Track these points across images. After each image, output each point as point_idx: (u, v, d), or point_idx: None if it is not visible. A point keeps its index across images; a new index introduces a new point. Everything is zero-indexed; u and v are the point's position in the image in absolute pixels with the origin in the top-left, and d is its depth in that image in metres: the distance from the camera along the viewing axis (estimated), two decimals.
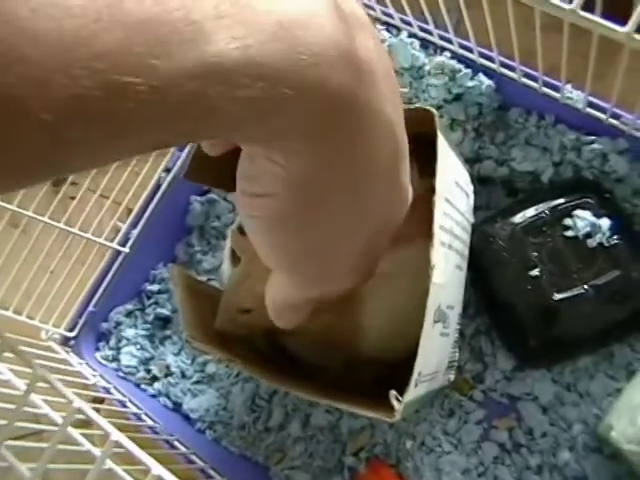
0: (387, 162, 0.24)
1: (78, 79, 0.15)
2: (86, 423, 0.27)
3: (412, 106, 0.34)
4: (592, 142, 0.44)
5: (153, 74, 0.16)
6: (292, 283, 0.28)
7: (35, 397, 0.23)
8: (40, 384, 0.31)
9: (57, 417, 0.23)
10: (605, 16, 0.29)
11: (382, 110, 0.22)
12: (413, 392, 0.32)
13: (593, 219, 0.42)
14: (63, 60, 0.15)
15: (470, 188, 0.42)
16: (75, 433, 0.23)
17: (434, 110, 0.33)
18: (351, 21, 0.21)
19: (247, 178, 0.24)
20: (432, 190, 0.33)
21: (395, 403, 0.31)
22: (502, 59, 0.44)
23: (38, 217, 0.51)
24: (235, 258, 0.44)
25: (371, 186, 0.24)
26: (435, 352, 0.36)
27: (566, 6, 0.26)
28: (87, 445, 0.23)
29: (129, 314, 0.54)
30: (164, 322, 0.54)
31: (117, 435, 0.20)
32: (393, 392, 0.31)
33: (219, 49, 0.17)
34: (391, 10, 0.47)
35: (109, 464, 0.27)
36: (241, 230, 0.44)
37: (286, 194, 0.22)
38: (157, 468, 0.19)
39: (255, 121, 0.19)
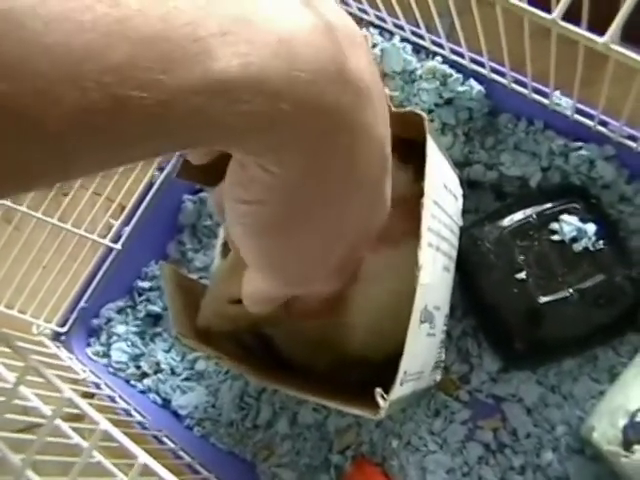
0: (375, 176, 0.25)
1: (87, 92, 0.16)
2: (77, 417, 0.27)
3: (402, 110, 0.35)
4: (580, 148, 0.45)
5: (159, 88, 0.17)
6: (271, 283, 0.29)
7: (25, 390, 0.24)
8: (31, 378, 0.32)
9: (46, 409, 0.23)
10: (591, 27, 0.30)
11: (375, 127, 0.23)
12: (399, 391, 0.33)
13: (579, 224, 0.43)
14: (73, 73, 0.16)
15: (459, 191, 0.43)
16: (64, 426, 0.24)
17: (423, 114, 0.33)
18: (347, 39, 0.21)
19: (237, 184, 0.24)
20: (421, 193, 0.34)
21: (380, 401, 0.31)
22: (493, 65, 0.45)
23: (31, 212, 0.51)
24: (226, 255, 0.44)
25: (358, 198, 0.25)
26: (421, 352, 0.36)
27: (547, 16, 0.26)
28: (76, 438, 0.23)
29: (120, 311, 0.55)
30: (155, 319, 0.54)
31: (106, 425, 0.21)
32: (379, 390, 0.32)
33: (223, 66, 0.18)
34: (384, 14, 0.47)
35: (98, 457, 0.28)
36: None
37: (275, 202, 0.23)
38: (144, 457, 0.20)
39: (253, 134, 0.20)
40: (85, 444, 0.26)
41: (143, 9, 0.17)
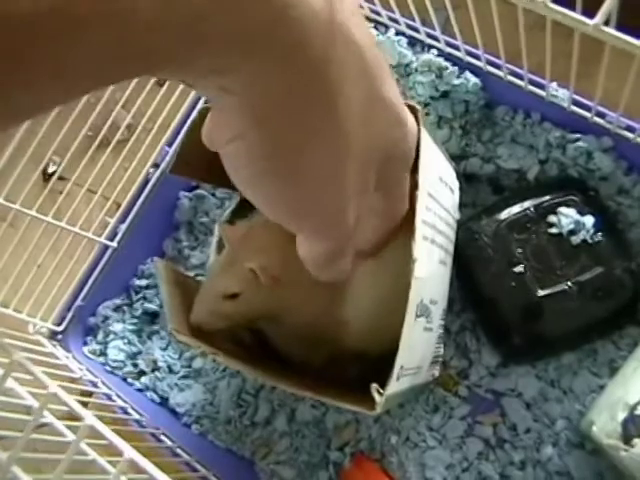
0: (357, 80, 0.22)
1: None
2: (74, 417, 0.27)
3: None
4: (577, 140, 0.45)
5: None
6: (315, 234, 0.27)
7: (14, 384, 0.23)
8: (23, 376, 0.32)
9: (34, 402, 0.23)
10: (586, 13, 0.30)
11: (341, 24, 0.21)
12: (395, 385, 0.32)
13: (577, 216, 0.43)
14: None
15: (455, 184, 0.42)
16: (54, 420, 0.24)
17: (417, 106, 0.33)
18: None
19: (219, 129, 0.23)
20: (416, 186, 0.33)
21: (376, 396, 0.31)
22: (488, 57, 0.45)
23: (26, 210, 0.51)
24: (220, 251, 0.44)
25: (341, 107, 0.22)
26: (418, 346, 0.36)
27: None
28: (65, 430, 0.23)
29: (117, 309, 0.54)
30: (152, 317, 0.54)
31: (91, 420, 0.20)
32: (374, 385, 0.31)
33: None
34: (379, 8, 0.47)
35: (93, 455, 0.28)
36: (229, 221, 0.44)
37: (252, 130, 0.22)
38: (130, 452, 0.19)
39: (190, 32, 0.18)
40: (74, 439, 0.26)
41: None
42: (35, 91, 0.17)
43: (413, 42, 0.48)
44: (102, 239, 0.53)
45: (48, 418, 0.26)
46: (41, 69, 0.17)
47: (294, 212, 0.25)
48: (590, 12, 0.29)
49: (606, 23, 0.25)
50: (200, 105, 0.51)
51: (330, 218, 0.26)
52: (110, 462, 0.28)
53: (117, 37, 0.17)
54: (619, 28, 0.26)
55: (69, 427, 0.27)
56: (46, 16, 0.15)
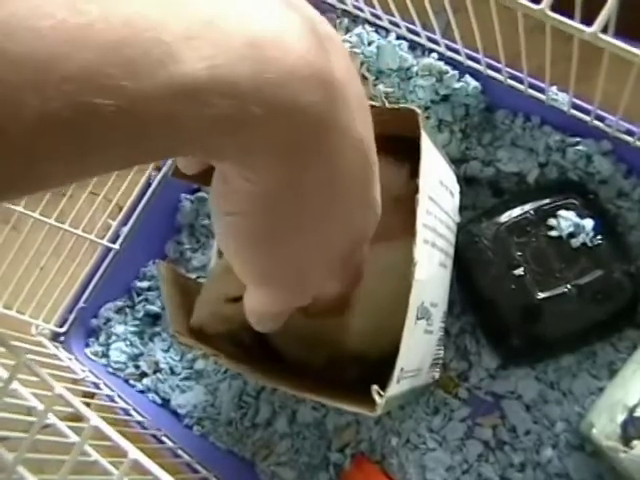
0: (358, 179, 0.24)
1: (49, 100, 0.16)
2: (78, 418, 0.27)
3: (397, 106, 0.35)
4: (577, 144, 0.45)
5: (122, 95, 0.16)
6: (269, 296, 0.29)
7: (18, 386, 0.24)
8: (27, 377, 0.32)
9: (39, 404, 0.23)
10: (586, 20, 0.30)
11: (353, 129, 0.23)
12: (395, 387, 0.32)
13: (577, 219, 0.43)
14: (34, 82, 0.15)
15: (456, 188, 0.43)
16: (60, 423, 0.24)
17: (418, 109, 0.33)
18: (325, 43, 0.21)
19: (220, 196, 0.24)
20: (416, 190, 0.33)
21: (377, 398, 0.31)
22: (488, 61, 0.45)
23: (29, 213, 0.51)
24: (222, 255, 0.44)
25: (341, 203, 0.24)
26: (418, 349, 0.36)
27: (536, 6, 0.26)
28: (73, 437, 0.23)
29: (119, 310, 0.55)
30: (154, 319, 0.54)
31: (96, 421, 0.21)
32: (375, 387, 0.31)
33: (187, 69, 0.17)
34: (380, 12, 0.47)
35: (95, 456, 0.28)
36: None
37: (257, 212, 0.23)
38: (134, 452, 0.20)
39: (225, 139, 0.20)
40: (78, 440, 0.26)
41: (105, 14, 0.16)
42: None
43: (414, 46, 0.48)
44: (104, 241, 0.53)
45: (52, 419, 0.26)
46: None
47: (264, 276, 0.27)
48: (590, 19, 0.30)
49: (605, 30, 0.26)
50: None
51: (295, 288, 0.28)
52: (112, 463, 0.28)
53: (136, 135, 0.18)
54: (618, 35, 0.26)
55: (72, 428, 0.27)
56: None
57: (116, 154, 0.18)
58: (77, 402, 0.21)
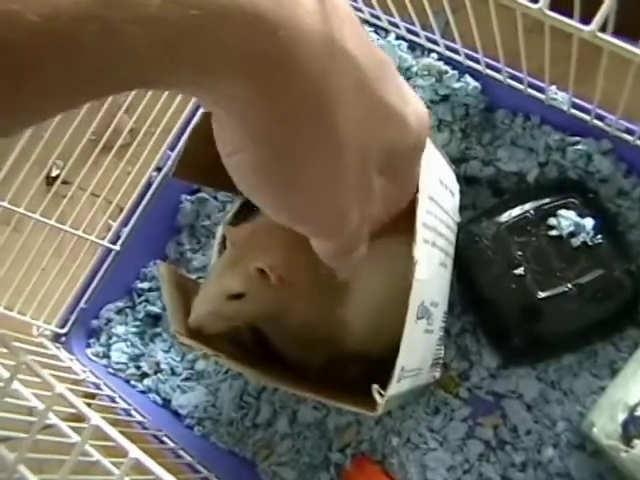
0: (354, 92, 0.23)
1: None
2: (80, 418, 0.27)
3: None
4: (577, 143, 0.45)
5: (42, 2, 0.16)
6: (321, 235, 0.28)
7: (18, 385, 0.24)
8: (29, 378, 0.32)
9: (39, 404, 0.23)
10: (584, 19, 0.30)
11: (328, 33, 0.21)
12: (396, 387, 0.32)
13: (577, 219, 0.43)
14: None
15: (456, 187, 0.43)
16: (58, 421, 0.24)
17: None
18: None
19: (219, 140, 0.23)
20: (416, 188, 0.34)
21: (377, 397, 0.31)
22: (488, 61, 0.45)
23: (30, 214, 0.51)
24: (222, 253, 0.44)
25: (338, 122, 0.22)
26: (419, 348, 0.36)
27: (534, 5, 0.26)
28: (69, 432, 0.23)
29: (120, 311, 0.55)
30: (154, 319, 0.54)
31: (97, 420, 0.21)
32: (375, 386, 0.31)
33: None
34: (379, 12, 0.47)
35: (97, 456, 0.28)
36: (231, 224, 0.44)
37: (252, 144, 0.22)
38: (135, 452, 0.20)
39: (168, 51, 0.18)
40: (79, 440, 0.26)
41: None
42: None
43: (413, 46, 0.48)
44: (105, 242, 0.53)
45: (53, 420, 0.27)
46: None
47: (298, 216, 0.26)
48: (588, 18, 0.30)
49: (604, 29, 0.26)
50: (202, 109, 0.51)
51: (332, 221, 0.27)
52: (114, 464, 0.28)
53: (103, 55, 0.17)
54: (617, 34, 0.26)
55: (74, 429, 0.27)
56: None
57: (52, 79, 0.17)
58: (78, 401, 0.21)
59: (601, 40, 0.25)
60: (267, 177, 0.23)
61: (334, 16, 0.21)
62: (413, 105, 0.27)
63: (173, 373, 0.52)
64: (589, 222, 0.43)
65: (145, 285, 0.55)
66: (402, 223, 0.34)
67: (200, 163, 0.38)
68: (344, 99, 0.22)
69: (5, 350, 0.33)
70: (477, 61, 0.45)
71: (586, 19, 0.30)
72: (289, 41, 0.20)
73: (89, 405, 0.49)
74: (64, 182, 0.56)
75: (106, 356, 0.53)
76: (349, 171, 0.24)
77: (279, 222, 0.26)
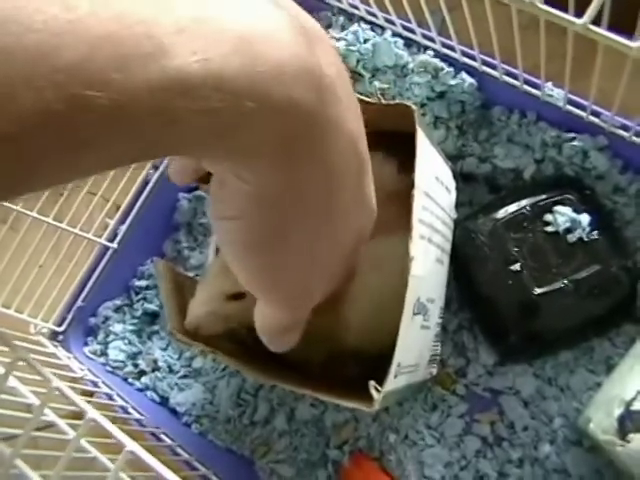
0: (352, 175, 0.25)
1: (41, 91, 0.16)
2: (76, 415, 0.27)
3: (392, 102, 0.35)
4: (573, 139, 0.45)
5: (114, 88, 0.17)
6: (278, 307, 0.29)
7: (16, 383, 0.24)
8: (26, 375, 0.32)
9: (35, 400, 0.23)
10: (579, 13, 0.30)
11: (345, 124, 0.23)
12: (393, 383, 0.33)
13: (573, 215, 0.43)
14: (25, 73, 0.16)
15: (452, 184, 0.43)
16: (56, 418, 0.24)
17: (413, 105, 0.33)
18: (313, 39, 0.21)
19: (218, 201, 0.24)
20: (413, 185, 0.34)
21: (374, 393, 0.31)
22: (484, 58, 0.45)
23: (27, 212, 0.51)
24: (219, 252, 0.44)
25: (339, 200, 0.24)
26: (415, 344, 0.36)
27: None
28: (67, 428, 0.23)
29: (117, 309, 0.55)
30: (152, 317, 0.55)
31: (93, 413, 0.21)
32: (372, 382, 0.32)
33: (179, 62, 0.18)
34: (375, 9, 0.48)
35: (94, 453, 0.28)
36: None
37: (256, 214, 0.23)
38: (131, 445, 0.20)
39: (219, 134, 0.20)
40: (84, 443, 0.26)
41: (95, 10, 0.17)
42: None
43: (409, 43, 0.48)
44: (102, 240, 0.53)
45: (50, 416, 0.27)
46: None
47: (268, 284, 0.27)
48: (583, 12, 0.30)
49: (597, 23, 0.26)
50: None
51: (299, 294, 0.28)
52: (112, 461, 0.28)
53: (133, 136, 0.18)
54: (611, 29, 0.26)
55: (72, 426, 0.27)
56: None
57: (110, 151, 0.18)
58: (75, 396, 0.21)
59: (594, 33, 0.25)
60: (258, 245, 0.25)
61: (352, 111, 0.24)
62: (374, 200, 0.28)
63: (170, 371, 0.52)
64: (585, 218, 0.43)
65: (143, 283, 0.55)
66: (396, 220, 0.34)
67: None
68: (348, 188, 0.25)
69: (3, 348, 0.33)
70: (473, 58, 0.45)
71: (581, 14, 0.30)
72: (325, 135, 0.22)
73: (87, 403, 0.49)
74: None
75: (104, 354, 0.53)
76: (336, 255, 0.26)
77: (244, 284, 0.27)
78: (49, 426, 0.28)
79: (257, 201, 0.23)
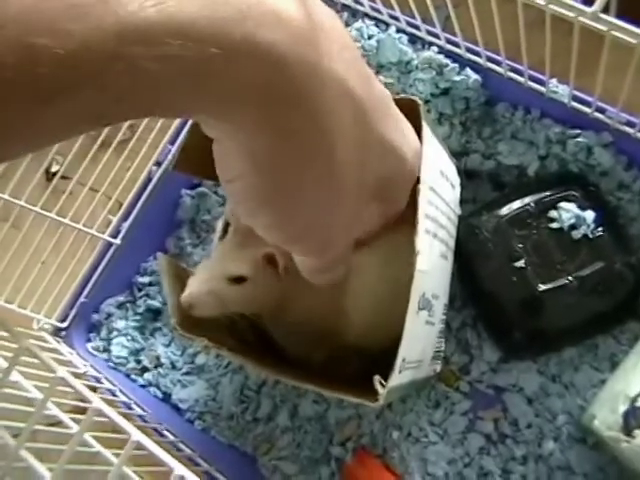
0: (350, 124, 0.24)
1: None
2: (80, 410, 0.27)
3: (397, 96, 0.35)
4: (577, 136, 0.45)
5: (68, 37, 0.16)
6: (304, 254, 0.29)
7: (19, 377, 0.24)
8: (30, 370, 0.32)
9: (38, 393, 0.23)
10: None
11: (333, 72, 0.22)
12: (397, 378, 0.32)
13: (578, 211, 0.43)
14: None
15: (456, 180, 0.43)
16: (59, 412, 0.24)
17: (418, 99, 0.33)
18: None
19: (219, 167, 0.24)
20: (418, 180, 0.34)
21: (379, 388, 0.31)
22: (489, 54, 0.45)
23: (30, 207, 0.51)
24: (223, 236, 0.44)
25: (337, 149, 0.23)
26: (420, 340, 0.36)
27: None
28: (70, 422, 0.23)
29: (120, 306, 0.55)
30: (155, 314, 0.54)
31: (98, 403, 0.21)
32: (377, 377, 0.31)
33: (134, 9, 0.17)
34: (380, 5, 0.47)
35: (98, 447, 0.28)
36: None
37: (254, 172, 0.23)
38: (137, 434, 0.20)
39: (190, 86, 0.19)
40: (87, 437, 0.26)
41: None
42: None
43: (414, 39, 0.48)
44: (105, 236, 0.53)
45: (53, 410, 0.26)
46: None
47: (291, 238, 0.27)
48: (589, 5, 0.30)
49: (606, 12, 0.26)
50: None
51: (322, 242, 0.28)
52: (115, 455, 0.28)
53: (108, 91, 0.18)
54: (619, 19, 0.26)
55: (75, 421, 0.27)
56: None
57: (75, 104, 0.18)
58: (79, 385, 0.21)
59: (604, 22, 0.25)
60: (266, 203, 0.24)
61: (329, 43, 0.22)
62: (409, 137, 0.28)
63: (173, 367, 0.52)
64: (590, 215, 0.43)
65: (145, 279, 0.55)
66: (403, 214, 0.34)
67: (201, 156, 0.38)
68: (345, 133, 0.24)
69: (6, 343, 0.33)
70: (478, 54, 0.45)
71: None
72: (302, 79, 0.21)
73: None
74: (63, 177, 0.56)
75: (106, 350, 0.53)
76: (345, 199, 0.26)
77: (271, 242, 0.28)
78: (55, 424, 0.28)
79: (251, 158, 0.22)
